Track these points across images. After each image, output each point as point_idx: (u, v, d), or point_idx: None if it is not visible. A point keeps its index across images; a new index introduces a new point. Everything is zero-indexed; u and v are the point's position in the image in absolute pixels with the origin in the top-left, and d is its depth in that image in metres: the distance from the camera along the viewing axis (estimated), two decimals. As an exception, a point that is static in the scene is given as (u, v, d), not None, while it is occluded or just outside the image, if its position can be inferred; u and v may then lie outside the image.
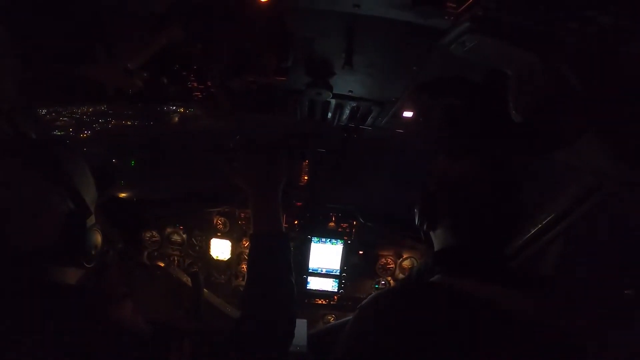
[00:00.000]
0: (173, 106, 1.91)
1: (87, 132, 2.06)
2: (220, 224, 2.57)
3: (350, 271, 2.58)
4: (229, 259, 2.58)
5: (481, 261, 1.00)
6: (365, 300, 0.98)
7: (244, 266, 2.57)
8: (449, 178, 1.08)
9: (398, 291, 1.03)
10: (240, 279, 2.60)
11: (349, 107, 1.65)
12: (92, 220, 1.01)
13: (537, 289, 1.01)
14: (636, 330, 1.43)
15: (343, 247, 2.53)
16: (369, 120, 1.78)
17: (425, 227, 1.11)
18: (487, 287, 0.93)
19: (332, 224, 2.57)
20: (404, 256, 2.60)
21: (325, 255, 2.55)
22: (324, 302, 2.65)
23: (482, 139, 1.37)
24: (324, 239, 2.53)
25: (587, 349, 0.90)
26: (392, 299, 0.97)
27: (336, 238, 2.53)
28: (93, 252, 1.01)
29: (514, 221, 1.05)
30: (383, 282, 2.64)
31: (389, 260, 2.61)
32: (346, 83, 1.40)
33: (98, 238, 1.03)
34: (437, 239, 1.11)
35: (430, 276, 1.03)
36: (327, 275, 2.58)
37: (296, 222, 2.55)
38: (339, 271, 2.57)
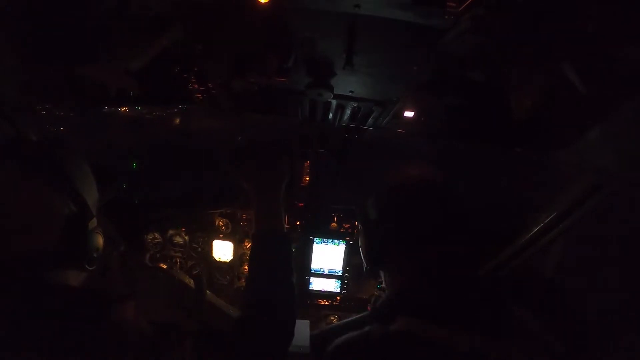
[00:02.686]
0: (174, 108, 1.91)
1: (87, 134, 2.05)
2: (222, 225, 2.57)
3: (352, 271, 2.57)
4: (231, 261, 2.58)
5: (438, 304, 1.02)
6: (329, 348, 1.03)
7: (247, 267, 2.57)
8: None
9: (360, 341, 1.03)
10: (243, 280, 2.59)
11: (350, 108, 1.64)
12: (94, 223, 1.01)
13: (499, 330, 1.00)
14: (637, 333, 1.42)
15: (345, 248, 2.52)
16: (370, 120, 1.78)
17: (372, 266, 1.23)
18: (446, 332, 0.95)
19: (334, 224, 2.56)
20: (406, 256, 2.59)
21: (328, 256, 2.55)
22: (326, 303, 2.65)
23: (482, 139, 1.38)
24: (326, 240, 2.53)
25: None
26: (355, 349, 1.01)
27: (338, 238, 2.53)
28: (95, 255, 1.02)
29: (468, 258, 1.11)
30: (385, 283, 2.62)
31: (391, 260, 2.60)
32: (347, 83, 1.40)
33: (100, 241, 1.04)
34: (387, 277, 1.21)
35: (390, 317, 1.04)
36: (329, 275, 2.57)
37: (298, 222, 2.55)
38: (341, 272, 2.56)
